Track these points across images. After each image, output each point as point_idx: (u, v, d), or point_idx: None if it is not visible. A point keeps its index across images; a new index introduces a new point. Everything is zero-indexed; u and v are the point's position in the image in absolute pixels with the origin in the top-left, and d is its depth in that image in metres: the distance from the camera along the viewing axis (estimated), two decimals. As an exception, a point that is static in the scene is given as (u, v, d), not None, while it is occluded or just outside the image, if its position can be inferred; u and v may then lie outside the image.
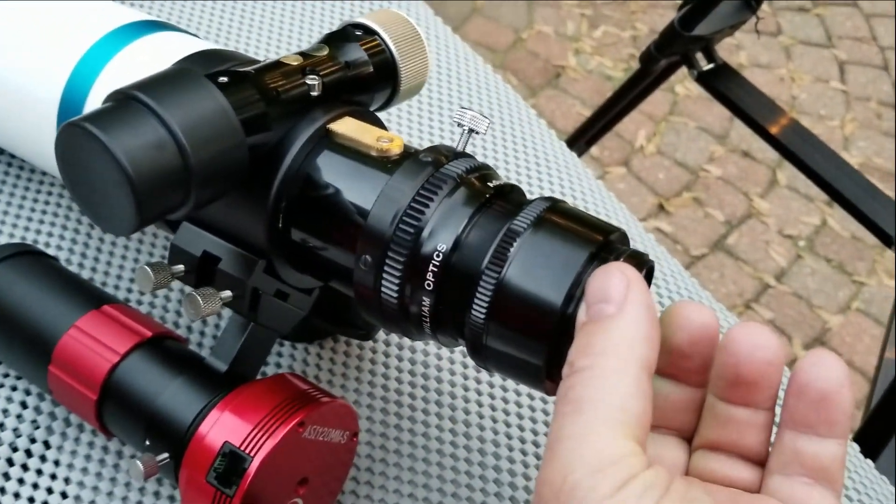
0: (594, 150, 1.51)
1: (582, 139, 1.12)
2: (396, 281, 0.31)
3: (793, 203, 1.51)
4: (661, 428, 0.30)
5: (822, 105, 1.66)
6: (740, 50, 1.72)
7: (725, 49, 1.69)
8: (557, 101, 1.60)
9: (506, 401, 0.45)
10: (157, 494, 0.40)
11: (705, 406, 0.29)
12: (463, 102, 0.59)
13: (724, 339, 0.28)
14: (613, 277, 0.27)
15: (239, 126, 0.31)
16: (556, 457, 0.25)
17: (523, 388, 0.45)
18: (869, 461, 0.46)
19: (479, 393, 0.45)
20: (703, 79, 0.91)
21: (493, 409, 0.44)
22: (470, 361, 0.46)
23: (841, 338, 1.37)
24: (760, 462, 0.29)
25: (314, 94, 0.34)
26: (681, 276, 0.53)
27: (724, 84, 0.90)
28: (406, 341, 0.46)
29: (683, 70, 0.97)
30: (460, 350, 0.45)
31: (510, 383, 0.45)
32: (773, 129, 0.90)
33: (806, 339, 1.35)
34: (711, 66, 0.91)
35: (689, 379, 0.29)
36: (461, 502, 0.41)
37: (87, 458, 0.40)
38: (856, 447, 0.47)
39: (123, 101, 0.30)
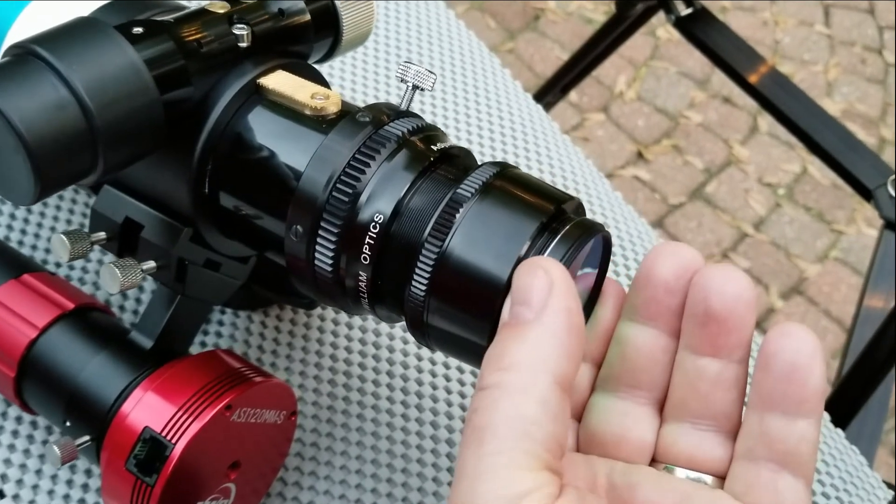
0: (573, 95, 1.47)
1: (558, 85, 1.08)
2: (331, 252, 0.29)
3: (773, 150, 1.49)
4: (633, 388, 0.28)
5: (806, 49, 1.63)
6: (724, -8, 1.68)
7: (709, -9, 1.64)
8: (536, 44, 1.55)
9: (461, 370, 0.43)
10: (88, 472, 0.37)
11: (676, 363, 0.27)
12: (417, 54, 0.56)
13: (697, 276, 0.26)
14: (537, 278, 0.25)
15: (151, 82, 0.28)
16: (456, 494, 0.23)
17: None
18: (839, 430, 0.45)
19: (434, 362, 0.42)
20: (682, 24, 0.88)
21: (448, 378, 0.42)
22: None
23: (818, 287, 1.36)
24: (732, 434, 0.27)
25: (243, 45, 0.31)
26: (647, 236, 0.51)
27: (702, 30, 0.86)
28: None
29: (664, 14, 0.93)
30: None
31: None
32: (752, 78, 0.87)
33: (783, 289, 1.34)
34: (690, 10, 0.87)
35: (669, 322, 0.27)
36: (411, 478, 0.39)
37: (15, 433, 0.38)
38: (826, 416, 0.45)
39: (21, 57, 0.27)
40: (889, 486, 0.44)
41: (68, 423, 0.33)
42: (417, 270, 0.27)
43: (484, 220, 0.27)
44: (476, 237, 0.27)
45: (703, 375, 0.27)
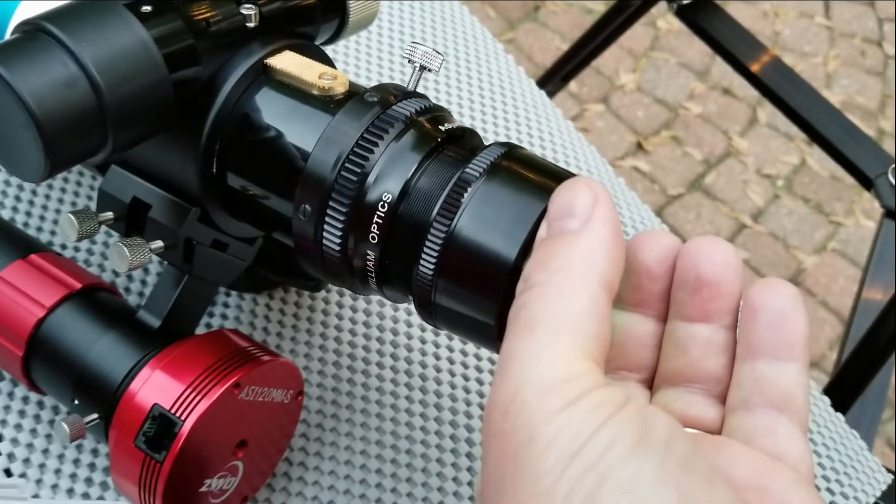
0: (573, 86, 1.47)
1: (558, 74, 1.08)
2: (339, 232, 0.29)
3: (772, 142, 1.49)
4: (622, 371, 0.29)
5: (806, 41, 1.63)
6: (724, -17, 1.67)
7: (709, -18, 1.64)
8: (536, 34, 1.55)
9: (464, 353, 0.43)
10: (95, 452, 0.38)
11: (665, 335, 0.28)
12: (421, 38, 0.56)
13: (684, 248, 0.27)
14: (580, 192, 0.25)
15: (161, 60, 0.28)
16: (506, 376, 0.23)
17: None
18: (839, 415, 0.45)
19: (437, 345, 0.43)
20: (683, 13, 0.88)
21: (451, 362, 0.42)
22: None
23: (816, 278, 1.36)
24: (723, 397, 0.27)
25: (250, 24, 0.31)
26: (650, 221, 0.51)
27: (704, 18, 0.86)
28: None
29: (665, 3, 0.93)
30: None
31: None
32: (754, 67, 0.87)
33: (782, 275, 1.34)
34: (692, -1, 0.87)
35: (654, 307, 0.28)
36: (416, 459, 0.39)
37: (21, 413, 0.38)
38: (826, 400, 0.46)
39: (31, 34, 0.27)
40: (889, 470, 0.44)
41: (76, 402, 0.33)
42: (425, 250, 0.27)
43: (492, 200, 0.27)
44: (484, 217, 0.27)
45: (694, 341, 0.27)
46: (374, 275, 0.29)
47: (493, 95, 0.54)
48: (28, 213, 0.43)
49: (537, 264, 0.25)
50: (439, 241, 0.27)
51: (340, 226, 0.29)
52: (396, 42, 0.55)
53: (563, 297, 0.24)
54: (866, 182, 0.77)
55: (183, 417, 0.30)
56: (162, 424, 0.30)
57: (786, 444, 0.25)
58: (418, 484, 0.39)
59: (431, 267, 0.27)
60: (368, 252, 0.29)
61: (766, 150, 1.48)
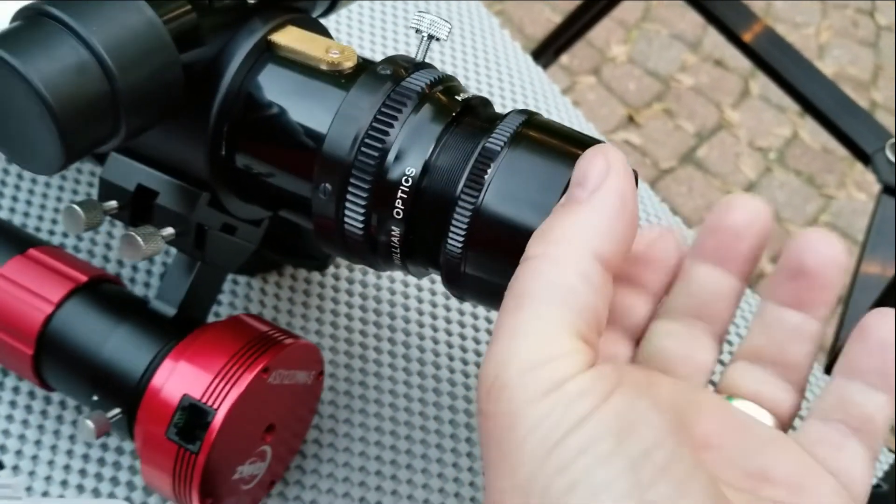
0: (563, 58, 1.46)
1: (551, 48, 1.07)
2: (361, 210, 0.28)
3: (764, 114, 1.48)
4: (696, 321, 0.29)
5: (798, 12, 1.62)
6: (711, -46, 1.66)
7: (696, -46, 1.63)
8: (527, 6, 1.54)
9: (476, 329, 0.42)
10: (104, 447, 0.37)
11: (757, 313, 0.28)
12: (415, 8, 0.55)
13: (796, 237, 0.28)
14: (593, 161, 0.25)
15: (171, 42, 0.27)
16: (492, 353, 0.23)
17: (494, 318, 0.43)
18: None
19: (448, 321, 0.42)
20: (676, -16, 0.87)
21: (463, 337, 0.42)
22: (437, 289, 0.43)
23: (809, 249, 1.36)
24: (799, 387, 0.28)
25: (250, 0, 0.31)
26: (650, 200, 0.51)
27: (697, -12, 0.86)
28: (365, 270, 0.43)
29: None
30: (427, 278, 0.43)
31: (479, 313, 0.43)
32: (746, 37, 0.86)
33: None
34: (684, -31, 0.86)
35: (736, 266, 0.29)
36: (430, 435, 0.39)
37: (28, 409, 0.37)
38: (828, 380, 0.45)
39: (35, 19, 0.26)
40: (889, 449, 0.44)
41: (95, 398, 0.32)
42: (453, 225, 0.27)
43: (517, 170, 0.27)
44: (511, 189, 0.27)
45: (782, 325, 0.28)
46: (398, 251, 0.29)
47: (490, 71, 0.53)
48: (26, 214, 0.43)
49: (538, 235, 0.25)
50: (467, 216, 0.27)
51: (363, 203, 0.28)
52: (389, 18, 0.54)
53: (554, 270, 0.23)
54: (863, 157, 0.76)
55: (215, 406, 0.29)
56: (193, 415, 0.29)
57: (848, 461, 0.26)
58: (434, 475, 0.38)
59: (461, 241, 0.27)
60: (393, 228, 0.28)
61: (759, 123, 1.48)
